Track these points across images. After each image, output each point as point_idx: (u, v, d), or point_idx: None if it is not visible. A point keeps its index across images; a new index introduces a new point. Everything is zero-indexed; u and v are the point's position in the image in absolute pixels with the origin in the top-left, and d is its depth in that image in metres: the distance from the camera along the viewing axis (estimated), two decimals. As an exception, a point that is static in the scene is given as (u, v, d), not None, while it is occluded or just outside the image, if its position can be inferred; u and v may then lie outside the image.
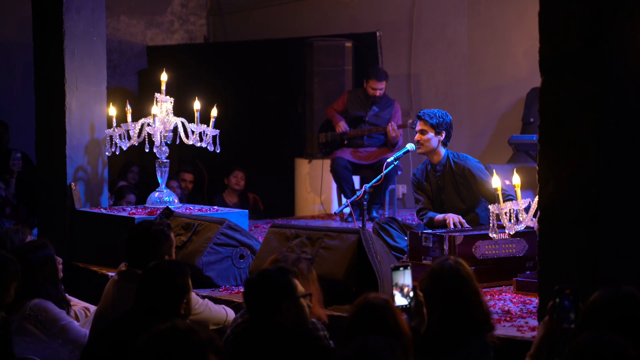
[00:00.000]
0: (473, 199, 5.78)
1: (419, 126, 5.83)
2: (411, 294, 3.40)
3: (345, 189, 7.91)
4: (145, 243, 4.33)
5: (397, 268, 3.41)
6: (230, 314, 4.51)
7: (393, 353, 2.54)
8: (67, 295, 5.00)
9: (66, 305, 4.56)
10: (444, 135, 5.79)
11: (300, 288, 3.51)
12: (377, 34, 9.20)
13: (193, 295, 4.36)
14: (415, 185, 6.00)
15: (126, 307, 4.02)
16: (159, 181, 6.58)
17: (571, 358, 2.60)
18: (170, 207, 6.07)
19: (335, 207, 8.73)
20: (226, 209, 6.71)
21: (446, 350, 3.43)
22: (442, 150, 5.84)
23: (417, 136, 5.83)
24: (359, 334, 3.00)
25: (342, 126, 8.08)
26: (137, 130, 6.43)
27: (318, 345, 3.38)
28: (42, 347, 4.31)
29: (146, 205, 6.59)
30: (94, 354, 3.57)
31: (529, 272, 5.09)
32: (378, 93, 8.04)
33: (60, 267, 4.72)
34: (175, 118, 6.39)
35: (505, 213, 4.73)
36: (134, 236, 4.40)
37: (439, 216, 5.74)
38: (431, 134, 5.78)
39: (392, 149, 7.93)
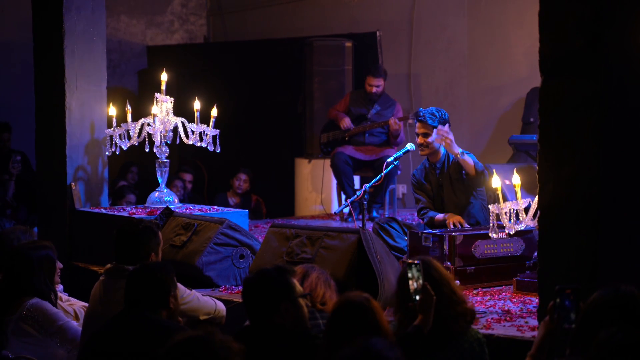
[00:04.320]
0: (468, 195, 5.78)
1: (420, 128, 5.79)
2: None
3: (344, 184, 7.89)
4: (133, 240, 4.35)
5: (410, 265, 3.46)
6: (220, 304, 4.56)
7: (394, 352, 2.55)
8: (65, 295, 5.02)
9: (55, 299, 4.57)
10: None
11: (299, 288, 3.51)
12: (377, 33, 9.20)
13: (180, 286, 4.39)
14: (415, 186, 5.99)
15: (114, 304, 4.04)
16: (159, 181, 6.58)
17: (599, 354, 2.60)
18: (170, 207, 6.07)
19: (335, 207, 8.72)
20: (226, 209, 6.71)
21: (438, 348, 3.44)
22: (442, 149, 5.84)
23: (420, 139, 5.79)
24: (339, 332, 3.03)
25: (346, 122, 8.08)
26: (137, 130, 6.43)
27: (317, 344, 3.38)
28: (39, 347, 4.32)
29: (146, 205, 6.59)
30: (90, 356, 3.57)
31: (528, 272, 5.09)
32: (374, 90, 8.05)
33: (58, 272, 4.73)
34: (175, 118, 6.39)
35: (505, 213, 4.73)
36: (123, 232, 4.42)
37: (439, 216, 5.74)
38: (434, 136, 5.76)
39: (394, 142, 7.93)
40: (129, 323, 3.58)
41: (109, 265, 4.41)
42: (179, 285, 4.39)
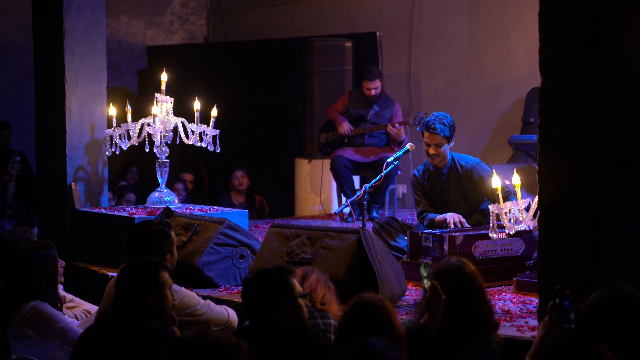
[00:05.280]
0: (478, 201, 5.76)
1: (432, 139, 5.68)
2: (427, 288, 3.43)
3: (345, 187, 7.90)
4: (146, 243, 4.32)
5: (421, 264, 3.47)
6: (232, 315, 4.50)
7: (393, 352, 2.54)
8: (69, 295, 5.01)
9: (60, 305, 4.56)
10: (454, 140, 5.75)
11: (299, 288, 3.51)
12: (377, 33, 9.20)
13: (194, 297, 4.36)
14: (415, 187, 5.95)
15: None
16: (159, 181, 6.58)
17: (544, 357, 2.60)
18: (170, 207, 6.07)
19: (335, 207, 8.72)
20: (226, 209, 6.71)
21: (449, 350, 3.43)
22: (449, 154, 5.80)
23: (432, 150, 5.70)
24: (352, 333, 3.02)
25: (345, 127, 8.07)
26: (137, 130, 6.43)
27: (316, 344, 3.38)
28: (40, 349, 4.31)
29: (146, 205, 6.59)
30: (81, 355, 3.56)
31: (528, 272, 5.09)
32: (373, 92, 8.04)
33: (61, 270, 4.72)
34: (175, 118, 6.39)
35: (505, 213, 4.73)
36: (135, 237, 4.39)
37: (439, 217, 5.72)
38: (446, 146, 5.72)
39: (398, 147, 7.92)
40: (112, 324, 3.57)
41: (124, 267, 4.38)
42: (193, 296, 4.37)
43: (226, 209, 6.68)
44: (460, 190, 5.77)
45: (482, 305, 3.51)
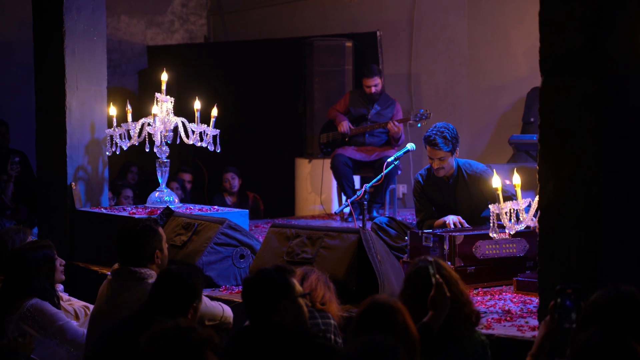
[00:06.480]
0: (483, 208, 5.75)
1: (434, 154, 5.64)
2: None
3: (345, 186, 7.90)
4: (134, 241, 4.32)
5: (429, 262, 3.48)
6: (227, 310, 4.51)
7: (396, 352, 2.54)
8: (66, 294, 5.02)
9: (58, 302, 4.57)
10: (457, 151, 5.73)
11: (299, 287, 3.51)
12: (377, 33, 9.20)
13: None
14: (418, 193, 5.87)
15: (120, 304, 4.04)
16: (159, 181, 6.58)
17: (578, 355, 2.61)
18: (170, 206, 6.07)
19: (335, 207, 8.72)
20: (226, 209, 6.72)
21: (440, 350, 3.44)
22: (454, 163, 5.78)
23: (436, 164, 5.66)
24: (366, 334, 3.01)
25: (344, 126, 8.08)
26: (137, 130, 6.44)
27: (317, 344, 3.38)
28: (40, 347, 4.32)
29: (146, 205, 6.59)
30: (101, 354, 3.56)
31: (529, 272, 5.09)
32: (373, 90, 8.06)
33: (61, 269, 4.73)
34: (176, 118, 6.40)
35: (506, 213, 4.74)
36: (122, 236, 4.39)
37: (439, 220, 5.69)
38: (450, 158, 5.69)
39: (395, 144, 7.93)
40: (141, 328, 3.56)
41: (116, 266, 4.39)
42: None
43: (226, 209, 6.69)
44: (467, 197, 5.73)
45: (461, 299, 3.51)
